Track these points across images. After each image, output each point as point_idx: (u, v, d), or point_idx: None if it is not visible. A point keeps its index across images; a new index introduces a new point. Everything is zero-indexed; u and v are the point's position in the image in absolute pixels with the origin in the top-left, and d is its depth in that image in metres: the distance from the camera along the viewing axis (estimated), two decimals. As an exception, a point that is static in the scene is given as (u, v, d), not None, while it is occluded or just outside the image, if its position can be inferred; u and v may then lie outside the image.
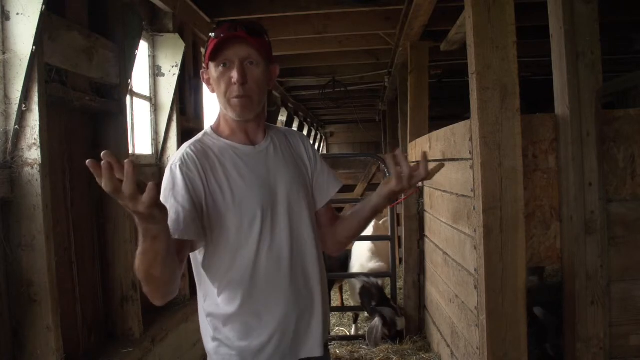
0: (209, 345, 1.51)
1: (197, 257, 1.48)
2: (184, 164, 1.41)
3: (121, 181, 1.07)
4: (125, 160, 1.06)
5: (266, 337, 1.45)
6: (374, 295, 4.16)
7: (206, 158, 1.45)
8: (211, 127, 1.55)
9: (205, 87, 1.54)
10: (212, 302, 1.48)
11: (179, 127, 3.66)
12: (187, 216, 1.36)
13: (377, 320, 4.01)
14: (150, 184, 1.09)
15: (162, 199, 1.31)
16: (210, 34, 1.46)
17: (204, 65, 1.52)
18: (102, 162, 1.05)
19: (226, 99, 1.46)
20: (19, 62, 2.04)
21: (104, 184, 1.06)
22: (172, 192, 1.38)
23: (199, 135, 1.54)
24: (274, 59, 1.52)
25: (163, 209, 1.17)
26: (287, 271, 1.46)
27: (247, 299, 1.44)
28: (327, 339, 1.61)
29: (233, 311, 1.45)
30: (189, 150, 1.46)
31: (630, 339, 2.18)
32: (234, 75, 1.41)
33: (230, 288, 1.45)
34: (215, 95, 1.50)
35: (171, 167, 1.42)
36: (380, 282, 4.28)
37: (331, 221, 1.65)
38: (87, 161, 1.05)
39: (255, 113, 1.49)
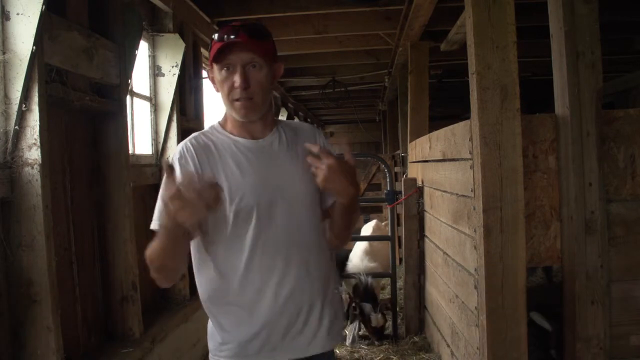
0: (209, 330, 1.55)
1: (197, 243, 1.51)
2: (182, 157, 1.49)
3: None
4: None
5: (255, 329, 1.46)
6: (360, 293, 4.24)
7: (204, 150, 1.49)
8: (219, 122, 1.59)
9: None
10: (211, 287, 1.50)
11: (179, 127, 3.65)
12: None
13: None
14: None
15: (161, 188, 1.42)
16: (213, 36, 1.48)
17: (208, 64, 1.55)
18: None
19: (229, 101, 1.49)
20: (19, 62, 2.04)
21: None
22: None
23: (205, 128, 1.61)
24: (277, 57, 1.54)
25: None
26: (282, 266, 1.46)
27: (240, 290, 1.46)
28: (336, 340, 1.60)
29: (227, 300, 1.48)
30: (188, 143, 1.52)
31: (630, 339, 2.18)
32: (237, 79, 1.44)
33: (225, 278, 1.47)
34: (219, 95, 1.53)
35: (172, 160, 1.52)
36: (370, 280, 4.30)
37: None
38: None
39: (259, 114, 1.52)
